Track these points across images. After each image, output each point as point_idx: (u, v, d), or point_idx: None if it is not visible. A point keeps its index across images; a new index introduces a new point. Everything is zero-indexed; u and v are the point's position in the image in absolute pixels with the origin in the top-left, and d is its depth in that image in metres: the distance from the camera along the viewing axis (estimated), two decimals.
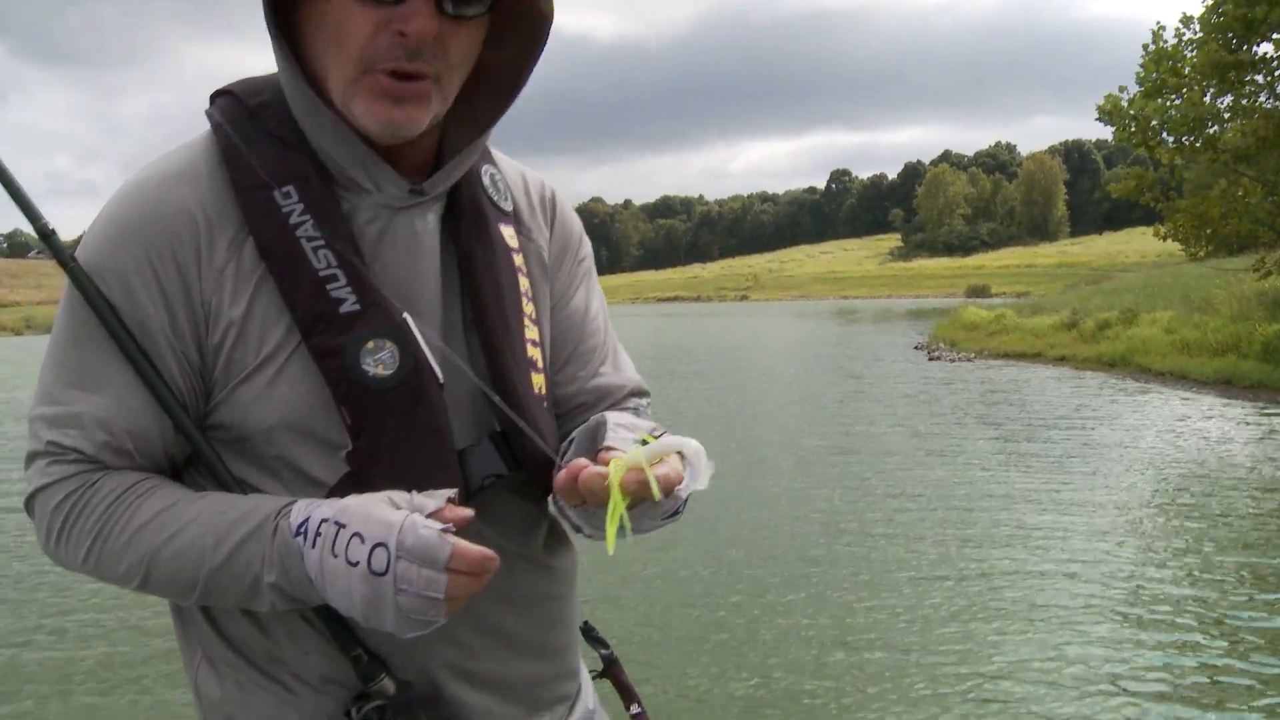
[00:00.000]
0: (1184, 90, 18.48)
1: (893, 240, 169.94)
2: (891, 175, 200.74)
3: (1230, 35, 17.74)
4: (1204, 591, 6.22)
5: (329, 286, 1.05)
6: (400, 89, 1.04)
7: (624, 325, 53.51)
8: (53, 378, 1.08)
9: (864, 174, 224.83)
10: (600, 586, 6.49)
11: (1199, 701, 4.67)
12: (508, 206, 1.25)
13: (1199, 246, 20.13)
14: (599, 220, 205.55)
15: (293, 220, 1.06)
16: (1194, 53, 18.34)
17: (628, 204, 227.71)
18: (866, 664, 5.19)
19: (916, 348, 28.19)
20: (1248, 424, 12.97)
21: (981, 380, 19.17)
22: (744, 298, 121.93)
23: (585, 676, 1.38)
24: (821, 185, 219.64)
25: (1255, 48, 18.03)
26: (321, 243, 1.06)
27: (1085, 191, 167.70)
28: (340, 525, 0.99)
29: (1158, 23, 21.36)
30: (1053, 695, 4.75)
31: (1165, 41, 18.84)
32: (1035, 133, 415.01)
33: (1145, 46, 19.23)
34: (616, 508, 0.98)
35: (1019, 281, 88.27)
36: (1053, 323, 26.34)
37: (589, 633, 1.45)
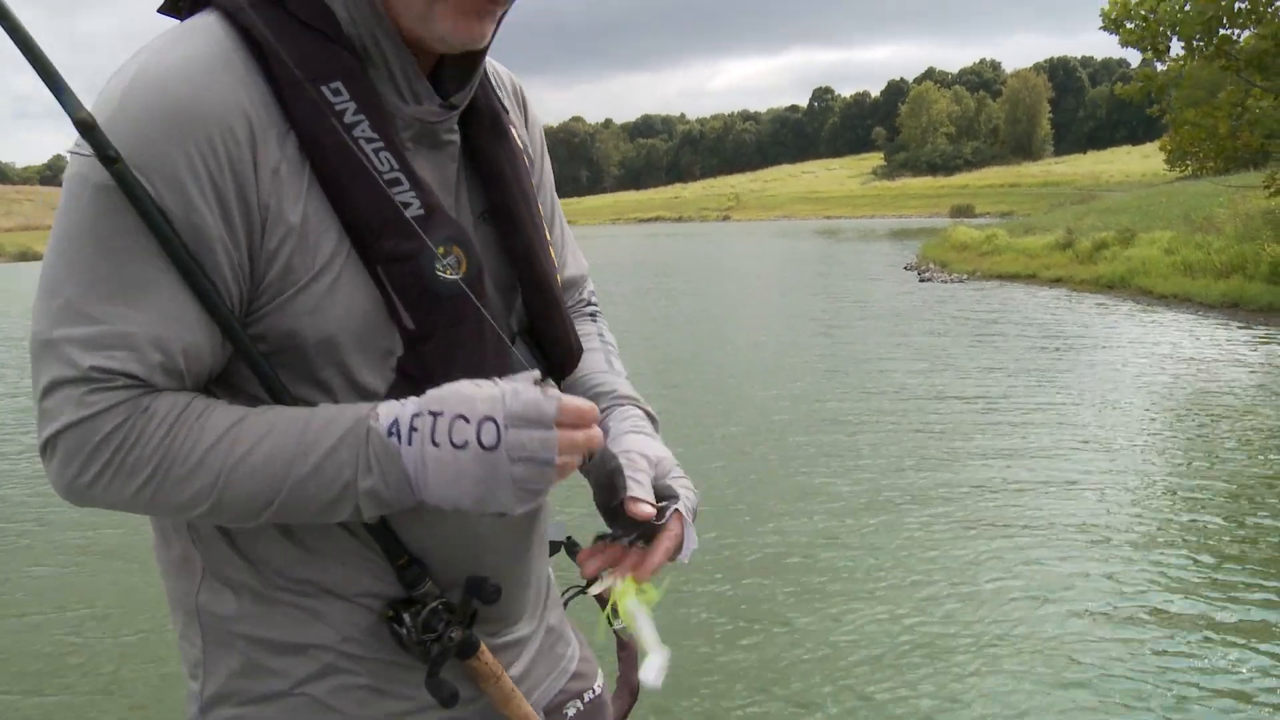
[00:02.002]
0: None
1: (876, 159, 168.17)
2: (875, 93, 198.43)
3: None
4: (1200, 514, 6.11)
5: (394, 190, 1.01)
6: (488, 6, 1.04)
7: (605, 246, 53.87)
8: (81, 292, 0.94)
9: (847, 92, 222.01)
10: (584, 503, 6.28)
11: (1186, 617, 4.65)
12: (508, 104, 1.26)
13: (1205, 161, 19.30)
14: (579, 140, 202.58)
15: (347, 119, 1.00)
16: None
17: (608, 123, 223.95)
18: (850, 575, 5.30)
19: (906, 268, 27.58)
20: (1260, 347, 12.32)
21: (978, 302, 18.53)
22: (726, 218, 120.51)
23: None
24: (804, 103, 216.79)
25: None
26: (381, 145, 1.01)
27: (1070, 110, 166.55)
28: (435, 414, 0.97)
29: None
30: (1035, 608, 4.81)
31: None
32: (1020, 50, 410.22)
33: None
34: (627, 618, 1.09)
35: (1003, 201, 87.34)
36: (1046, 243, 25.54)
37: (573, 548, 1.37)
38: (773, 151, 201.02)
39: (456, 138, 1.13)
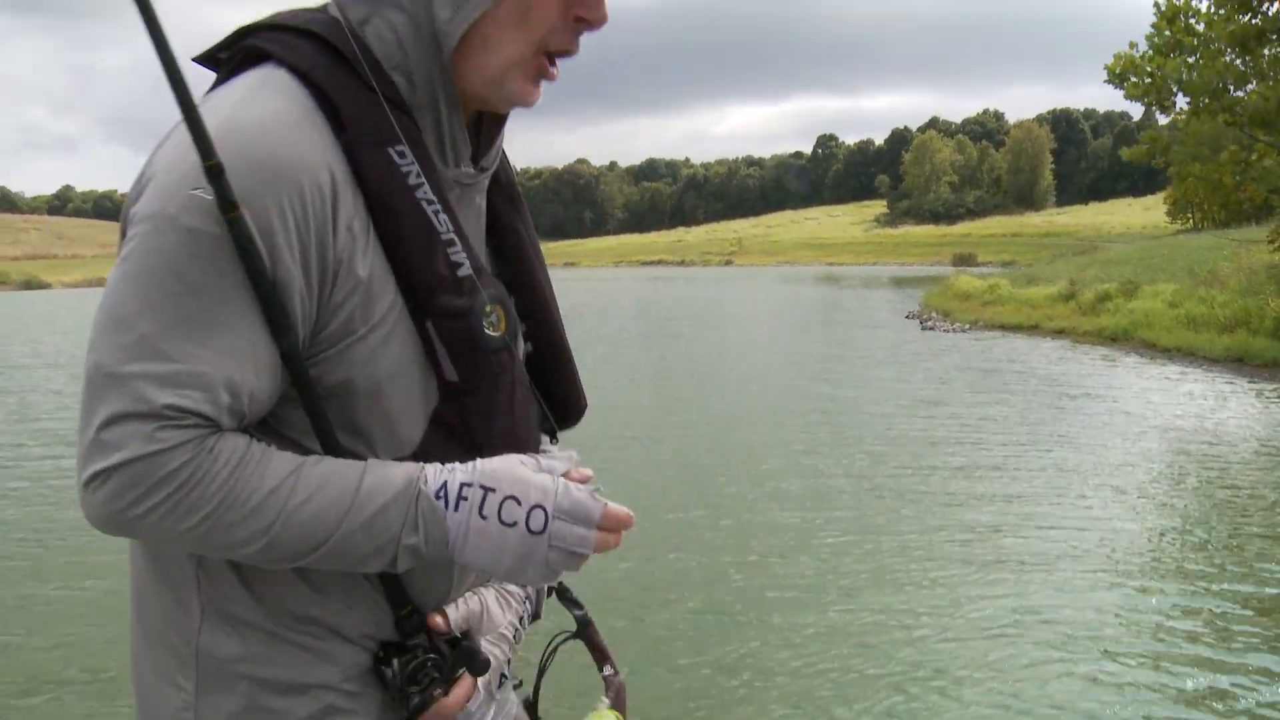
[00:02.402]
0: (1199, 49, 17.58)
1: (878, 207, 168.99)
2: (879, 141, 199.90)
3: None
4: (1201, 564, 6.09)
5: (449, 250, 1.08)
6: (552, 71, 1.12)
7: (609, 288, 53.81)
8: (159, 329, 0.96)
9: (851, 139, 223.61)
10: None
11: (1181, 663, 4.66)
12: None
13: (1211, 214, 19.38)
14: (584, 181, 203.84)
15: (411, 181, 1.06)
16: (1207, 4, 17.46)
17: (613, 166, 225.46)
18: (849, 621, 5.27)
19: (908, 317, 27.55)
20: (1268, 405, 12.23)
21: (981, 352, 18.47)
22: (728, 262, 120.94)
23: None
24: (808, 150, 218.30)
25: (1270, 6, 17.16)
26: (439, 207, 1.07)
27: (1072, 161, 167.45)
28: (488, 489, 1.04)
29: None
30: (1028, 649, 4.85)
31: None
32: (1023, 101, 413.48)
33: (1156, 4, 18.46)
34: None
35: (1005, 250, 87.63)
36: (1049, 294, 25.57)
37: (564, 594, 1.45)
38: (776, 197, 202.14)
39: (484, 199, 1.20)
